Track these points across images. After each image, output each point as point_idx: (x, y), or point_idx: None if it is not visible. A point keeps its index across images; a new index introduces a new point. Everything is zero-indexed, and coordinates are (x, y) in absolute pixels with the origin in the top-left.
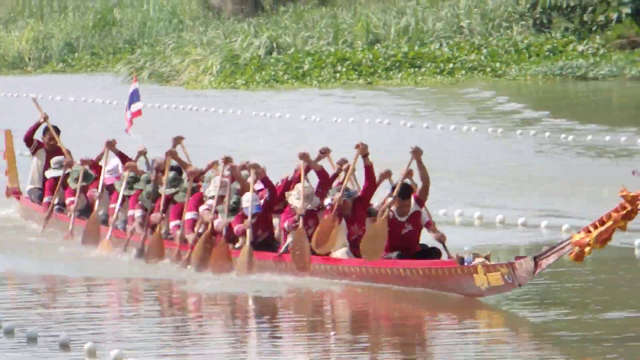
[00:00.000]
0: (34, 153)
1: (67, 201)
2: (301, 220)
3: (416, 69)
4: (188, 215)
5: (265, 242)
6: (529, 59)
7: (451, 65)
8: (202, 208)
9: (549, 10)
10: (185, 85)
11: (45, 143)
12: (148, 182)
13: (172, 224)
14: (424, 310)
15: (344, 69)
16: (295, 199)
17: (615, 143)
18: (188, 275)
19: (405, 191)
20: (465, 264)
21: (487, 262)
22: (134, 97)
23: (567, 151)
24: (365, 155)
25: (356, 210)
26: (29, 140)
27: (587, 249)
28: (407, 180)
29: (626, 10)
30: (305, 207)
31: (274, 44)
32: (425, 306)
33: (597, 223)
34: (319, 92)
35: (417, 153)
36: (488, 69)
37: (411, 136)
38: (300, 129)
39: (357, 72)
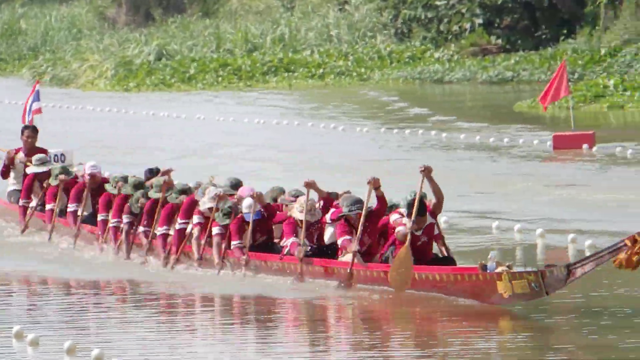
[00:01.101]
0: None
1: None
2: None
3: (290, 73)
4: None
5: (264, 245)
6: (390, 64)
7: (321, 70)
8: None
9: (409, 21)
10: (82, 88)
11: (24, 141)
12: (136, 186)
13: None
14: (440, 316)
15: (225, 74)
16: (297, 211)
17: (472, 140)
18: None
19: (422, 208)
20: (488, 271)
21: (510, 270)
22: (35, 97)
23: (439, 148)
24: (377, 188)
25: (368, 222)
26: (4, 173)
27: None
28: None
29: (478, 20)
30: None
31: (163, 51)
32: (442, 312)
33: None
34: (210, 94)
35: (427, 171)
36: (354, 74)
37: (299, 134)
38: (192, 127)
39: (237, 76)
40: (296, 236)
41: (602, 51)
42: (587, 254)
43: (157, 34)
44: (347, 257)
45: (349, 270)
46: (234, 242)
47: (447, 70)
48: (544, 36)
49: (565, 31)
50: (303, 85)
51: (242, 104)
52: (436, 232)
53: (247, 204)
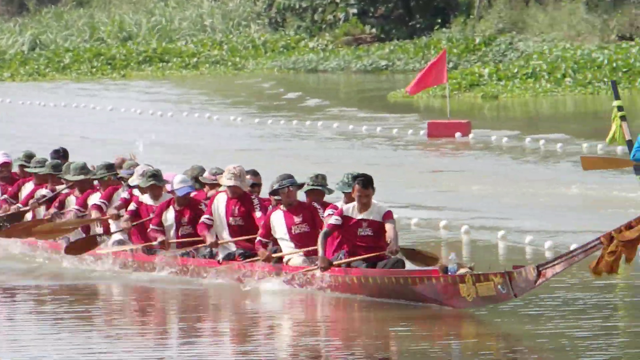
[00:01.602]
0: None
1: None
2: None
3: (164, 63)
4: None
5: (191, 236)
6: (265, 54)
7: (195, 59)
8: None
9: (283, 11)
10: None
11: None
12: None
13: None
14: (395, 322)
15: (99, 64)
16: (226, 179)
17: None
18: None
19: (367, 181)
20: (449, 273)
21: (473, 272)
22: None
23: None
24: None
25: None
26: None
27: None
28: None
29: (353, 10)
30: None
31: (37, 41)
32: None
33: (622, 228)
34: (84, 84)
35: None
36: (229, 63)
37: (173, 124)
38: (69, 116)
39: (111, 66)
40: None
41: (477, 40)
42: (547, 254)
43: (31, 24)
44: (294, 261)
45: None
46: (153, 226)
47: (322, 60)
48: (418, 25)
49: (439, 20)
50: (177, 75)
51: (117, 93)
52: (390, 237)
53: (179, 179)
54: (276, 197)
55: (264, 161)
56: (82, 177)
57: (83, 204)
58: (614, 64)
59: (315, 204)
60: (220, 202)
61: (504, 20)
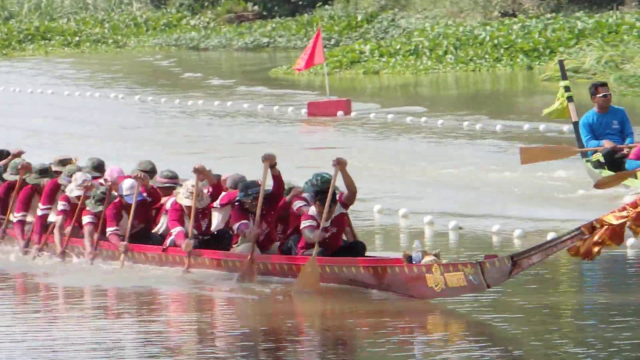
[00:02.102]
0: None
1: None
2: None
3: (46, 41)
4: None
5: (140, 234)
6: (146, 32)
7: (77, 38)
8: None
9: None
10: None
11: None
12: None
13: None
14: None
15: None
16: (183, 197)
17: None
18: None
19: (333, 198)
20: (414, 262)
21: (439, 260)
22: None
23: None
24: (272, 167)
25: (265, 206)
26: None
27: (595, 248)
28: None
29: None
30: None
31: None
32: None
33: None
34: None
35: (341, 164)
36: (110, 41)
37: (54, 102)
38: None
39: None
40: (182, 224)
41: (359, 17)
42: (517, 243)
43: None
44: (242, 247)
45: (249, 259)
46: (110, 229)
47: (203, 37)
48: (300, 2)
49: None
50: (59, 53)
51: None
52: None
53: (127, 185)
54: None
55: (150, 139)
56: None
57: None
58: (496, 41)
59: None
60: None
61: None
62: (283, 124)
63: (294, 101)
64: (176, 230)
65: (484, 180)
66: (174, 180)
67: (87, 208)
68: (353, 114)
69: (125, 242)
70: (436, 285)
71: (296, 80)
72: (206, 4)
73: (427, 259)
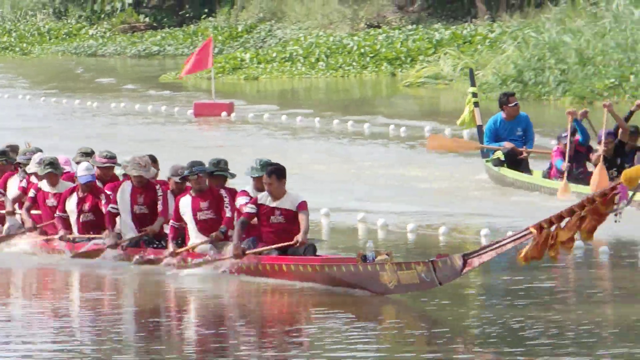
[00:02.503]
0: None
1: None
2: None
3: None
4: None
5: (92, 223)
6: (49, 40)
7: None
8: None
9: (66, 1)
10: None
11: None
12: None
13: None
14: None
15: None
16: (132, 169)
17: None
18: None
19: (280, 171)
20: (368, 261)
21: (392, 260)
22: None
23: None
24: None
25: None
26: None
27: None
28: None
29: (128, 1)
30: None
31: None
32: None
33: (552, 219)
34: None
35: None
36: (17, 49)
37: None
38: None
39: None
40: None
41: (239, 28)
42: (484, 243)
43: None
44: (201, 248)
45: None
46: (58, 213)
47: (100, 45)
48: (187, 15)
49: (206, 10)
50: None
51: None
52: (302, 227)
53: (83, 167)
54: (176, 180)
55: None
56: None
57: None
58: (362, 50)
59: (222, 192)
60: (125, 190)
61: (264, 10)
62: (171, 123)
63: (181, 103)
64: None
65: (385, 176)
66: (112, 160)
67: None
68: (235, 114)
69: (63, 232)
70: (390, 283)
71: (184, 85)
72: (103, 15)
73: (380, 257)
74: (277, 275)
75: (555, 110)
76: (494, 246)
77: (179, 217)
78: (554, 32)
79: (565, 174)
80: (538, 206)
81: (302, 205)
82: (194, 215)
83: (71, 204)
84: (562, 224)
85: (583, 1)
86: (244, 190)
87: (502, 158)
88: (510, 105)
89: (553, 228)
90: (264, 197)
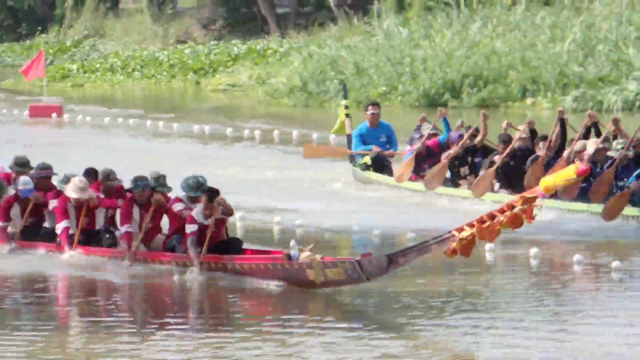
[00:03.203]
0: None
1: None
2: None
3: None
4: None
5: (34, 229)
6: None
7: None
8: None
9: None
10: None
11: None
12: None
13: None
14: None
15: None
16: (71, 191)
17: None
18: None
19: (212, 195)
20: (293, 259)
21: (316, 257)
22: None
23: None
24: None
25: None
26: None
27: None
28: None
29: None
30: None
31: None
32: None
33: (484, 217)
34: None
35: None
36: None
37: None
38: None
39: None
40: (68, 218)
41: (68, 43)
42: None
43: None
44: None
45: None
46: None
47: None
48: (24, 32)
49: (40, 28)
50: None
51: None
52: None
53: (23, 181)
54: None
55: None
56: None
57: None
58: (172, 62)
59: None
60: (70, 207)
61: (89, 28)
62: (7, 124)
63: (18, 106)
64: (61, 226)
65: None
66: (48, 171)
67: None
68: (65, 116)
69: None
70: (317, 278)
71: (21, 90)
72: None
73: (304, 254)
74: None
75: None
76: (419, 247)
77: (130, 222)
78: (334, 47)
79: (412, 162)
80: (406, 203)
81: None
82: (140, 225)
83: (14, 213)
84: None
85: (358, 21)
86: (179, 198)
87: (369, 163)
88: (368, 112)
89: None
90: (198, 215)
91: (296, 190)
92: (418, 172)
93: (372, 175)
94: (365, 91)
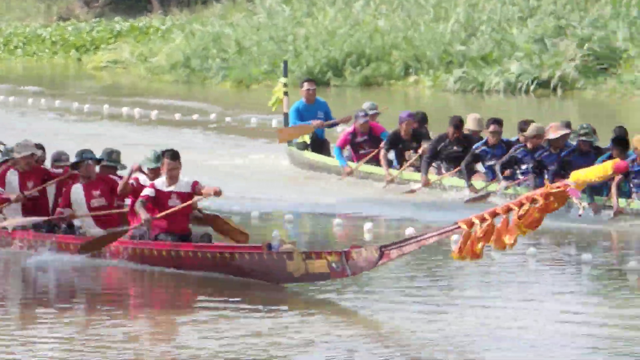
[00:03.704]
0: None
1: None
2: None
3: None
4: None
5: None
6: None
7: None
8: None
9: None
10: None
11: None
12: None
13: None
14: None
15: None
16: (21, 149)
17: None
18: None
19: (175, 153)
20: (273, 250)
21: (295, 248)
22: None
23: None
24: None
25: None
26: None
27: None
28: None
29: None
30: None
31: None
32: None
33: (485, 215)
34: None
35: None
36: None
37: None
38: None
39: None
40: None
41: None
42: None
43: None
44: (94, 231)
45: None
46: None
47: None
48: None
49: None
50: None
51: None
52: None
53: None
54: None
55: None
56: None
57: None
58: (54, 39)
59: (115, 178)
60: (12, 177)
61: None
62: None
63: None
64: None
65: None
66: None
67: None
68: None
69: None
70: (295, 271)
71: None
72: None
73: (286, 247)
74: (177, 262)
75: (218, 92)
76: (417, 239)
77: (67, 204)
78: (217, 25)
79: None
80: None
81: (196, 184)
82: (87, 202)
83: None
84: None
85: None
86: (135, 177)
87: (308, 142)
88: (303, 89)
89: (485, 224)
90: (160, 183)
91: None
92: (357, 151)
93: (310, 155)
94: (247, 69)
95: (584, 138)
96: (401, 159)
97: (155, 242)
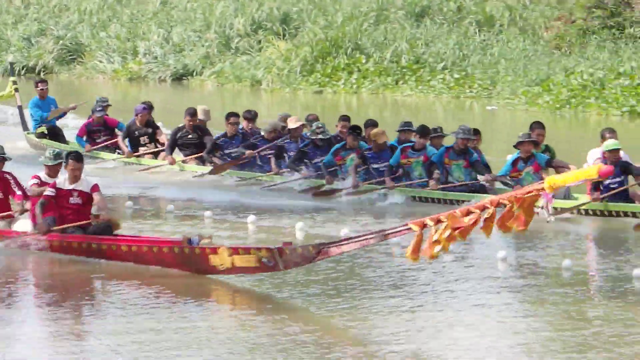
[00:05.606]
0: None
1: None
2: None
3: None
4: None
5: None
6: None
7: None
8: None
9: None
10: None
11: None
12: None
13: None
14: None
15: None
16: None
17: None
18: None
19: (79, 156)
20: (193, 244)
21: (211, 242)
22: None
23: None
24: None
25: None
26: None
27: (435, 248)
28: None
29: None
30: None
31: None
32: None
33: (440, 217)
34: None
35: None
36: None
37: None
38: None
39: None
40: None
41: None
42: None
43: None
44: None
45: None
46: None
47: None
48: None
49: None
50: None
51: None
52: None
53: None
54: None
55: None
56: None
57: None
58: None
59: (7, 176)
60: None
61: None
62: None
63: None
64: None
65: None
66: None
67: None
68: None
69: None
70: (220, 265)
71: None
72: None
73: (204, 241)
74: (80, 252)
75: None
76: (359, 238)
77: None
78: None
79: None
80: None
81: (95, 187)
82: None
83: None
84: (467, 219)
85: None
86: (37, 175)
87: (45, 132)
88: (37, 88)
89: (442, 225)
90: (61, 182)
91: None
92: (94, 140)
93: (49, 143)
94: None
95: (321, 136)
96: (136, 145)
97: (72, 235)
